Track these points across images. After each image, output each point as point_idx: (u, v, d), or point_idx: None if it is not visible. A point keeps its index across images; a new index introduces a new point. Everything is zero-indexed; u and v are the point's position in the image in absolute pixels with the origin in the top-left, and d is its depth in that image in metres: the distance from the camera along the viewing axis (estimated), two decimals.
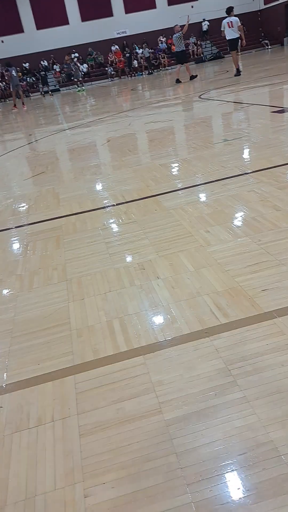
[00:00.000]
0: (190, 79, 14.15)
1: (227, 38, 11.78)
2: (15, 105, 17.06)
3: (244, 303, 1.86)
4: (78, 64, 21.61)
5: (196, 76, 14.44)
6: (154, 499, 1.10)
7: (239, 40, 11.66)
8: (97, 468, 1.22)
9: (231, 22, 11.42)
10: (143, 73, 25.07)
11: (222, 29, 11.79)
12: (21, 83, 25.72)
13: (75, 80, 22.06)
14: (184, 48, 13.94)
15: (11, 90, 17.24)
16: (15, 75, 16.21)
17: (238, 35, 11.53)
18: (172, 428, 1.30)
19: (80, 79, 22.29)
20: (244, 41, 11.78)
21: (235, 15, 11.61)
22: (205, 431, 1.28)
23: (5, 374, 1.68)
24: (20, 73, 20.51)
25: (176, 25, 14.25)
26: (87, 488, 1.16)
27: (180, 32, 13.46)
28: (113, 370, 1.60)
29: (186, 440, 1.26)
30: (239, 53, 13.17)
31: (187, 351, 1.63)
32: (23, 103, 17.44)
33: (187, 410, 1.36)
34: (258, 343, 1.60)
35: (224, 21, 11.56)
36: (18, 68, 26.85)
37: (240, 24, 11.49)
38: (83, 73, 22.69)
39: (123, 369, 1.59)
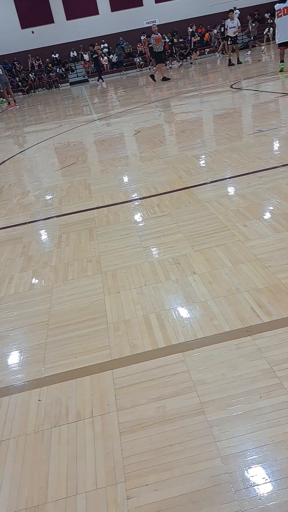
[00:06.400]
0: (162, 80, 14.41)
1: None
2: (9, 103, 17.12)
3: (287, 301, 1.79)
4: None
5: (169, 79, 14.63)
6: (200, 505, 1.06)
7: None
8: (139, 468, 1.18)
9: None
10: (172, 63, 24.66)
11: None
12: (51, 73, 25.69)
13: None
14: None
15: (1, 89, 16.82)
16: (1, 73, 16.05)
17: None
18: (216, 430, 1.26)
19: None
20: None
21: None
22: (251, 435, 1.22)
23: (42, 366, 1.67)
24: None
25: (153, 24, 14.98)
26: (130, 489, 1.13)
27: (158, 34, 14.04)
28: (151, 366, 1.56)
29: (231, 443, 1.21)
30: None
31: (228, 350, 1.57)
32: (14, 101, 17.41)
33: (231, 412, 1.31)
34: None
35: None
36: (47, 60, 27.10)
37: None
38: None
39: (162, 366, 1.55)
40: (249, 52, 18.33)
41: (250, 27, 19.28)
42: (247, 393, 1.36)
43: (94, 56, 20.50)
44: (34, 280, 2.41)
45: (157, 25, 26.85)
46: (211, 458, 1.18)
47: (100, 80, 21.50)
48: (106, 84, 19.57)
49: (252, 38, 19.14)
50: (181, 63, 22.42)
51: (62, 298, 2.15)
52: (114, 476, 1.17)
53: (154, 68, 15.08)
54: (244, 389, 1.38)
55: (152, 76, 14.66)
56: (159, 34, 14.10)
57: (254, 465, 1.14)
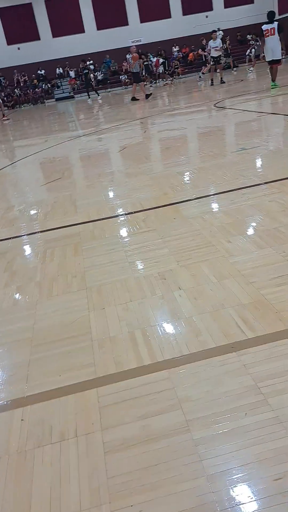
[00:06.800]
0: (146, 98, 14.80)
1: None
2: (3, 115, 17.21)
3: (271, 317, 1.80)
4: None
5: (151, 94, 15.09)
6: None
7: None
8: (124, 488, 1.16)
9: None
10: (157, 81, 25.02)
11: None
12: (37, 89, 25.95)
13: None
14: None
15: None
16: None
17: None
18: (201, 448, 1.25)
19: None
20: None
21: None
22: (236, 453, 1.22)
23: (26, 385, 1.64)
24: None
25: (132, 46, 15.69)
26: (115, 510, 1.11)
27: (136, 54, 14.68)
28: (137, 384, 1.55)
29: (217, 461, 1.20)
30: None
31: (213, 366, 1.57)
32: (3, 115, 17.46)
33: (216, 430, 1.30)
34: (287, 360, 1.54)
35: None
36: (33, 75, 27.33)
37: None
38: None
39: (148, 383, 1.54)
40: (252, 69, 18.94)
41: (255, 46, 20.05)
42: (232, 410, 1.36)
43: (84, 72, 20.67)
44: (18, 296, 2.38)
45: (142, 44, 27.56)
46: (197, 477, 1.17)
47: (95, 94, 21.45)
48: (92, 101, 19.76)
49: (251, 55, 20.07)
50: (167, 81, 22.90)
51: (46, 314, 2.12)
52: (99, 497, 1.15)
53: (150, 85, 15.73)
54: (229, 406, 1.38)
55: (134, 98, 14.95)
56: (136, 54, 14.63)
57: (239, 483, 1.14)
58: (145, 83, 18.52)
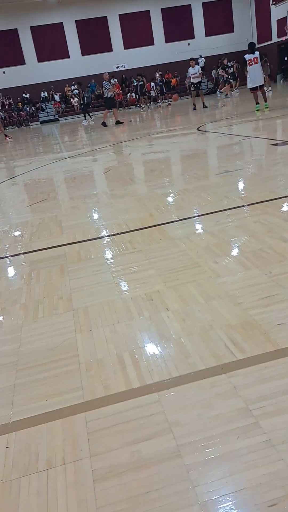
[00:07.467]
0: (115, 124, 15.33)
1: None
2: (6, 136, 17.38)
3: (260, 338, 1.80)
4: None
5: (122, 122, 15.50)
6: None
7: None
8: None
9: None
10: (142, 105, 25.49)
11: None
12: (21, 112, 26.25)
13: None
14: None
15: None
16: None
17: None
18: (193, 474, 1.22)
19: None
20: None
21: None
22: (229, 478, 1.19)
23: (11, 410, 1.58)
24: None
25: (105, 73, 16.03)
26: None
27: (108, 82, 15.18)
28: (126, 408, 1.51)
29: (209, 488, 1.17)
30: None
31: (203, 389, 1.55)
32: (5, 135, 17.58)
33: (208, 454, 1.27)
34: (277, 381, 1.53)
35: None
36: (18, 98, 27.63)
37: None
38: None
39: (137, 407, 1.51)
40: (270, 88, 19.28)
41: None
42: (224, 434, 1.33)
43: (76, 92, 21.19)
44: (3, 319, 2.33)
45: (126, 69, 28.18)
46: (189, 505, 1.13)
47: (88, 117, 21.81)
48: (76, 124, 19.97)
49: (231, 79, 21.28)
50: (162, 103, 23.79)
51: (32, 337, 2.08)
52: None
53: (143, 105, 16.14)
54: (221, 430, 1.35)
55: (118, 122, 15.29)
56: (115, 80, 15.08)
57: (233, 510, 1.11)
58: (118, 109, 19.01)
